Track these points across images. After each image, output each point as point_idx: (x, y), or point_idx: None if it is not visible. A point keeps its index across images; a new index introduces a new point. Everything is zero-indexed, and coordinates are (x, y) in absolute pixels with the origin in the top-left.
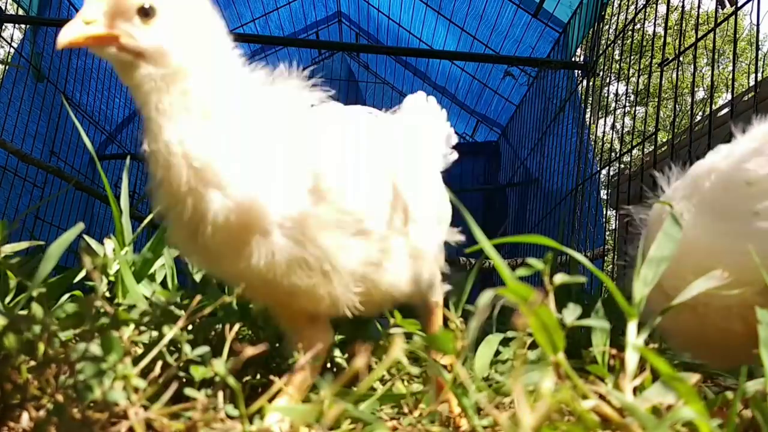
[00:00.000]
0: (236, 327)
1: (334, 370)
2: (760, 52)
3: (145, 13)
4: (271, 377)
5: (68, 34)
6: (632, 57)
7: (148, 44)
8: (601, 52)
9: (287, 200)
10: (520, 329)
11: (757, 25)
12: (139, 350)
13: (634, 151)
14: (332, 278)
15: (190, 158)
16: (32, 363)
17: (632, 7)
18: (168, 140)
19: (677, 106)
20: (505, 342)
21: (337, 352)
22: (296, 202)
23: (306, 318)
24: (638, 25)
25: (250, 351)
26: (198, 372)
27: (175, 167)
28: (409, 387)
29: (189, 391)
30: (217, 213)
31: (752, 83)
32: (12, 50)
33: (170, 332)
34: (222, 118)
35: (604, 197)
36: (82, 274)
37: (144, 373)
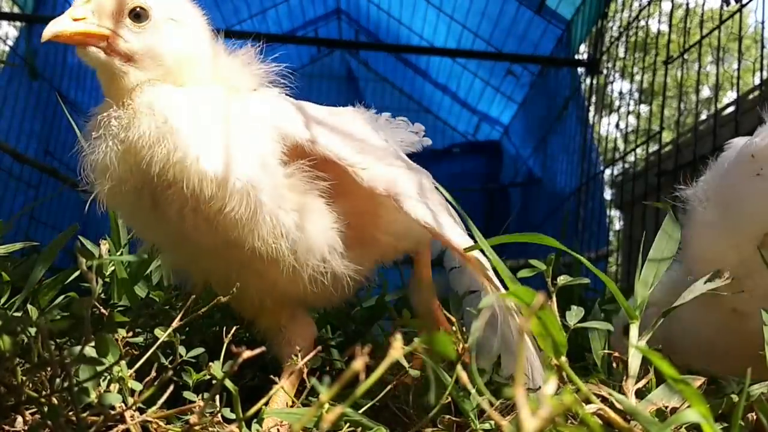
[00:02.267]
0: (233, 329)
1: (333, 373)
2: (765, 49)
3: (137, 15)
4: (271, 377)
5: (54, 28)
6: (636, 55)
7: (140, 46)
8: (604, 49)
9: (245, 167)
10: (522, 332)
11: (762, 22)
12: (135, 352)
13: (639, 150)
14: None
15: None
16: (27, 365)
17: (636, 3)
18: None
19: (682, 104)
20: None
21: (336, 354)
22: (250, 169)
23: (287, 314)
24: (642, 23)
25: (247, 353)
26: (193, 376)
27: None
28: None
29: (187, 395)
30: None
31: (757, 81)
32: (7, 48)
33: (165, 334)
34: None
35: (608, 197)
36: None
37: (140, 376)
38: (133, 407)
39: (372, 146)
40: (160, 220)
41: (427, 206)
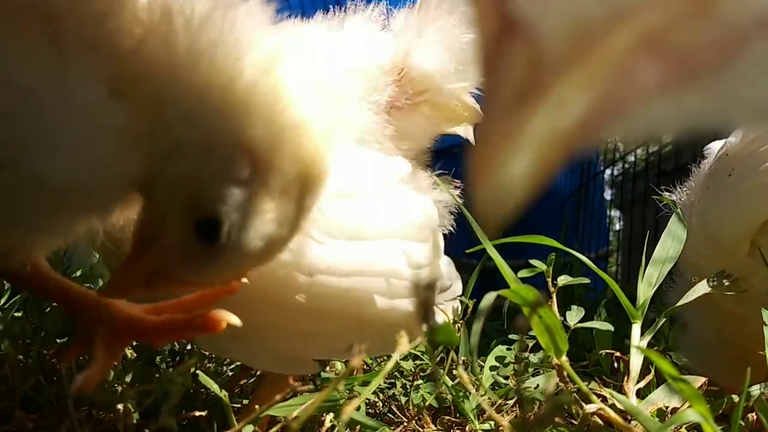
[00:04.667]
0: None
1: (335, 373)
2: None
3: None
4: None
5: None
6: None
7: None
8: None
9: None
10: (523, 331)
11: None
12: (133, 354)
13: (639, 150)
14: None
15: None
16: (25, 367)
17: None
18: None
19: None
20: (508, 344)
21: None
22: None
23: None
24: None
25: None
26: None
27: None
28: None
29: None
30: None
31: None
32: None
33: None
34: None
35: (608, 197)
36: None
37: (138, 381)
38: (131, 414)
39: None
40: None
41: None
